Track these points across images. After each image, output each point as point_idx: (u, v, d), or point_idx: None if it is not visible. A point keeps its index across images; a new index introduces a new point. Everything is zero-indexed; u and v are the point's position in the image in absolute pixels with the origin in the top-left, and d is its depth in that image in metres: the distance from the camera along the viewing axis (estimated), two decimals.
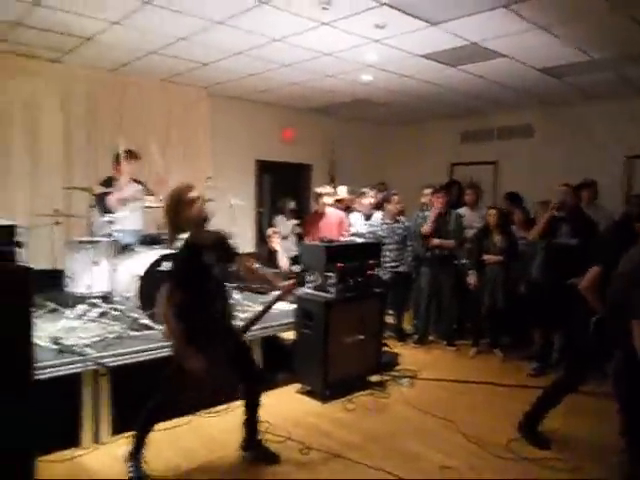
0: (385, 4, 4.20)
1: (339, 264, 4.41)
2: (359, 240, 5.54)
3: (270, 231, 6.34)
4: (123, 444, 3.43)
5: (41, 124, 5.66)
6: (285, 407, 4.25)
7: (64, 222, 4.84)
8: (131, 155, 5.02)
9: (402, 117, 9.02)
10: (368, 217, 6.42)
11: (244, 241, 5.58)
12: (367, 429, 3.93)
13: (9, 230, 2.69)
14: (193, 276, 2.97)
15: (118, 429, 3.68)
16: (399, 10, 4.30)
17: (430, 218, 5.85)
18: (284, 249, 6.29)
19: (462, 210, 6.38)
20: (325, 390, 4.39)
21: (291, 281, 3.66)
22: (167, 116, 6.65)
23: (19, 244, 2.72)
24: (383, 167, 9.36)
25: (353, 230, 6.22)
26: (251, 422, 3.41)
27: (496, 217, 5.66)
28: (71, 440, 3.53)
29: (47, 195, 5.45)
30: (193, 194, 3.03)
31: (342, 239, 5.69)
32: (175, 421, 3.82)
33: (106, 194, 4.67)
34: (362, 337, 4.59)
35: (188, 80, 6.73)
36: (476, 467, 3.38)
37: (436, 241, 5.83)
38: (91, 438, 3.60)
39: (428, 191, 6.11)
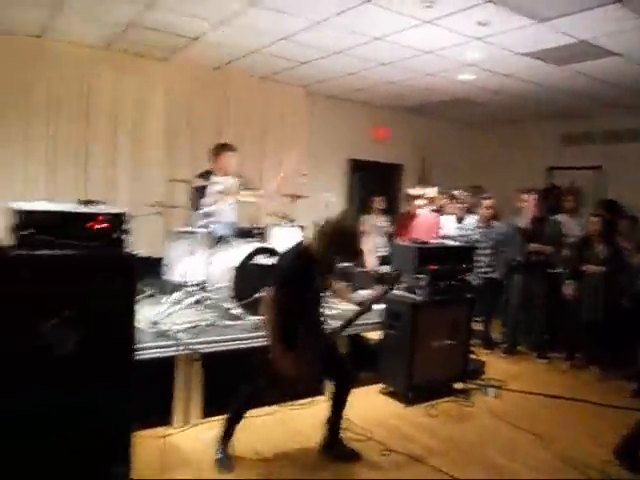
0: (490, 1, 4.07)
1: (431, 266, 4.34)
2: (452, 243, 5.41)
3: (360, 229, 6.33)
4: (210, 427, 3.59)
5: (146, 119, 5.99)
6: (367, 406, 4.23)
7: (164, 213, 5.09)
8: (228, 148, 5.16)
9: (499, 117, 8.71)
10: (460, 220, 6.26)
11: None
12: (449, 436, 3.84)
13: (119, 217, 2.85)
14: (299, 282, 3.11)
15: (206, 412, 3.82)
16: (504, 7, 4.15)
17: (525, 215, 5.61)
18: (373, 248, 6.27)
19: (560, 217, 6.06)
20: (408, 392, 4.33)
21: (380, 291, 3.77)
22: (265, 113, 6.81)
23: (127, 231, 2.88)
24: (477, 169, 9.07)
25: (444, 232, 6.09)
26: (335, 420, 3.43)
27: (599, 225, 5.32)
28: (164, 419, 3.72)
29: (149, 187, 5.77)
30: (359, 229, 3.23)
31: (433, 241, 5.59)
32: (261, 410, 3.92)
33: (204, 187, 4.86)
34: (449, 342, 4.48)
35: (287, 79, 6.88)
36: None
37: (534, 246, 5.57)
38: (182, 419, 3.78)
39: (526, 197, 5.84)
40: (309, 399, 4.20)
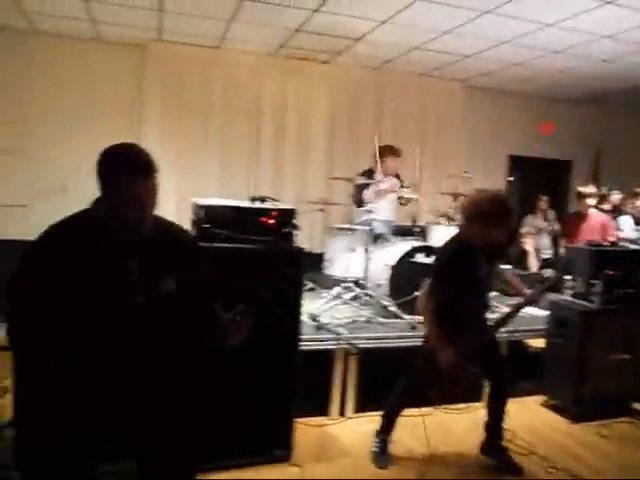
0: None
1: (608, 271, 3.96)
2: (631, 246, 4.86)
3: (523, 230, 5.99)
4: (367, 421, 3.64)
5: (310, 121, 6.23)
6: (529, 419, 3.98)
7: (325, 210, 5.24)
8: (392, 152, 5.24)
9: None
10: (639, 221, 5.64)
11: None
12: (624, 462, 3.46)
13: (290, 213, 3.01)
14: (457, 271, 2.95)
15: (361, 407, 3.87)
16: None
17: None
18: (535, 250, 5.90)
19: None
20: (575, 408, 3.99)
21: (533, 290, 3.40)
22: (422, 110, 6.73)
23: (296, 227, 3.02)
24: None
25: (622, 235, 5.52)
26: (494, 425, 3.28)
27: None
28: (321, 410, 3.84)
29: (311, 185, 6.00)
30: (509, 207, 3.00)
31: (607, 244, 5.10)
32: (416, 410, 3.87)
33: (366, 185, 4.94)
34: (626, 356, 4.05)
35: (446, 74, 6.72)
36: None
37: None
38: (338, 411, 3.86)
39: None
40: (466, 404, 4.07)
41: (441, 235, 4.89)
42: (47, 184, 5.38)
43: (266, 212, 2.94)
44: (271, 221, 2.94)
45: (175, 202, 5.52)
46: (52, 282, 1.64)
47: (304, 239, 5.22)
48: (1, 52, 5.20)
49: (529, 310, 3.87)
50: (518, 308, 3.18)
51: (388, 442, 3.32)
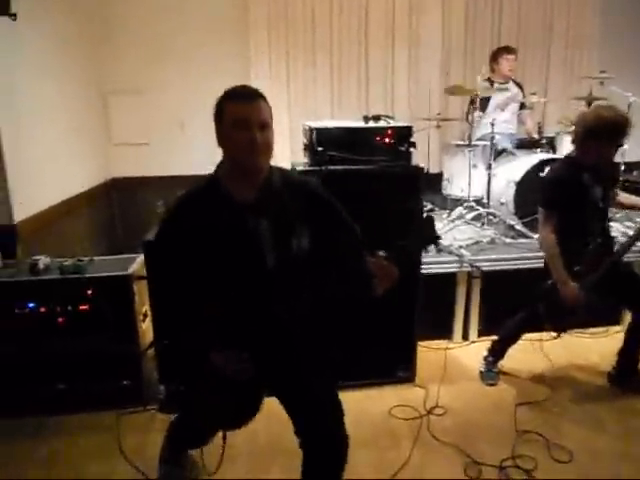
0: None
1: None
2: None
3: None
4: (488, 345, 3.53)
5: (421, 28, 5.76)
6: None
7: (441, 126, 4.93)
8: (506, 50, 4.80)
9: None
10: None
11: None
12: None
13: (407, 131, 2.83)
14: (570, 198, 2.77)
15: (484, 331, 3.78)
16: None
17: None
18: None
19: None
20: None
21: None
22: (549, 5, 5.93)
23: (413, 145, 2.84)
24: None
25: None
26: (631, 352, 3.06)
27: None
28: (444, 333, 3.79)
29: (425, 99, 5.64)
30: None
31: None
32: (543, 334, 3.69)
33: (484, 97, 4.57)
34: None
35: None
36: None
37: None
38: (460, 334, 3.81)
39: None
40: (602, 328, 3.80)
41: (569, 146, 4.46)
42: (165, 121, 5.56)
43: (381, 131, 2.79)
44: (387, 140, 2.79)
45: (288, 129, 5.48)
46: (186, 251, 1.71)
47: (420, 158, 5.04)
48: None
49: None
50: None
51: (497, 363, 3.30)
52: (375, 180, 2.75)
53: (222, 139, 1.69)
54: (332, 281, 1.75)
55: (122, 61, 5.37)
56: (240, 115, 1.63)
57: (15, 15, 3.01)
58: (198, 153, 5.59)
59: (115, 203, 5.64)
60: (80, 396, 2.91)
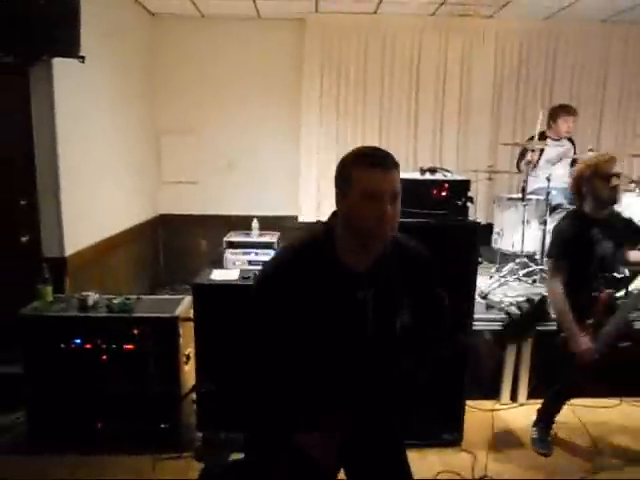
0: None
1: None
2: None
3: None
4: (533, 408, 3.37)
5: (473, 82, 5.79)
6: None
7: (492, 178, 4.88)
8: (566, 111, 4.78)
9: None
10: None
11: None
12: None
13: (464, 185, 2.78)
14: (576, 250, 2.73)
15: (534, 393, 3.59)
16: None
17: None
18: None
19: None
20: None
21: None
22: (605, 61, 5.88)
23: (471, 199, 2.78)
24: None
25: None
26: None
27: None
28: (491, 393, 3.63)
29: (474, 152, 5.62)
30: (612, 169, 2.73)
31: None
32: (601, 400, 3.50)
33: (539, 150, 4.52)
34: None
35: (635, 17, 5.79)
36: None
37: None
38: (509, 395, 3.64)
39: None
40: None
41: (629, 204, 4.31)
42: (214, 162, 5.67)
43: (438, 184, 2.74)
44: (444, 193, 2.74)
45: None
46: (285, 309, 1.60)
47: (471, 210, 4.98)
48: (175, 38, 5.51)
49: None
50: None
51: (549, 430, 3.12)
52: (432, 234, 2.69)
53: (346, 206, 1.55)
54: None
55: (177, 102, 5.55)
56: (373, 186, 1.48)
57: (84, 58, 3.12)
58: (244, 193, 5.68)
59: (160, 239, 5.73)
60: (118, 437, 2.86)
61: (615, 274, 2.82)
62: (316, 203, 5.65)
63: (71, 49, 3.05)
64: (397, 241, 1.66)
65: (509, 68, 5.76)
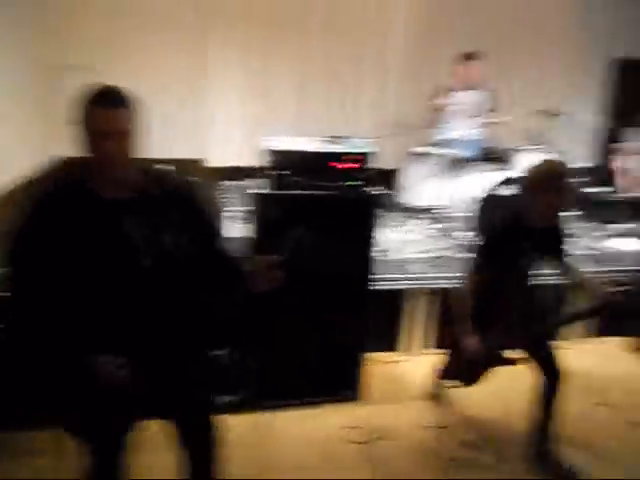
0: None
1: None
2: None
3: (615, 147, 5.35)
4: (437, 358, 3.54)
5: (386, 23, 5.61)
6: (609, 364, 3.76)
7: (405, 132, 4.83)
8: (469, 56, 4.62)
9: None
10: None
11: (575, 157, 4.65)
12: None
13: (364, 157, 2.80)
14: (501, 254, 2.55)
15: (429, 344, 3.80)
16: None
17: None
18: (627, 169, 5.27)
19: None
20: None
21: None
22: (518, 11, 5.86)
23: (371, 171, 2.82)
24: None
25: None
26: (542, 425, 2.79)
27: None
28: (392, 346, 3.79)
29: (392, 104, 5.54)
30: (557, 183, 2.45)
31: None
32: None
33: (445, 104, 4.52)
34: None
35: None
36: None
37: None
38: (405, 348, 3.81)
39: None
40: None
41: (528, 161, 4.47)
42: None
43: (337, 156, 2.74)
44: (345, 166, 2.74)
45: (242, 131, 5.31)
46: (48, 250, 1.58)
47: (382, 160, 4.96)
48: None
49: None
50: (588, 314, 2.78)
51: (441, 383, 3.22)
52: (330, 206, 2.74)
53: (83, 142, 1.58)
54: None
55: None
56: (95, 125, 1.54)
57: None
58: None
59: None
60: None
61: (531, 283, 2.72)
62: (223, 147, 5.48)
63: None
64: (157, 173, 1.78)
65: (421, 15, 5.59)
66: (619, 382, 3.55)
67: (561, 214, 2.59)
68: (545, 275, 3.02)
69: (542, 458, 2.78)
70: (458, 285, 2.72)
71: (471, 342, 2.62)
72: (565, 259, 2.66)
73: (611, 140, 5.96)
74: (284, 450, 2.77)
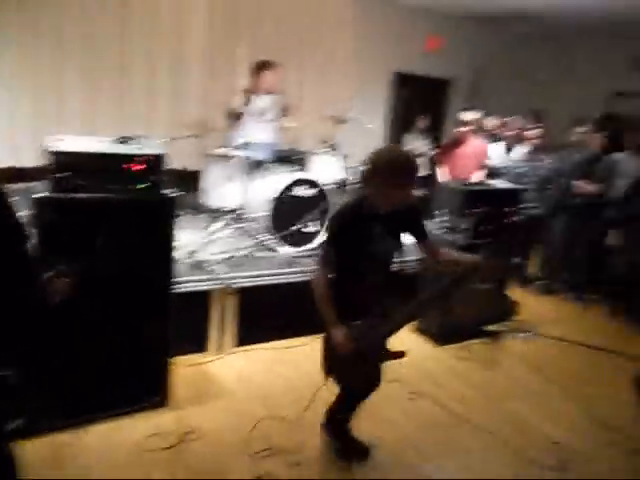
0: None
1: (473, 209, 4.17)
2: (500, 185, 4.96)
3: None
4: (243, 356, 3.76)
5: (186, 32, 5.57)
6: (399, 343, 4.20)
7: (203, 133, 4.85)
8: (267, 66, 4.84)
9: (564, 32, 7.94)
10: (509, 149, 5.94)
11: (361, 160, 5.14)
12: (478, 383, 3.84)
13: (157, 158, 2.74)
14: (352, 240, 2.45)
15: (241, 341, 3.90)
16: None
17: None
18: None
19: (620, 155, 5.50)
20: (440, 333, 4.32)
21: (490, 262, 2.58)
22: (306, 21, 6.25)
23: (164, 172, 2.78)
24: (537, 91, 8.25)
25: (491, 163, 5.77)
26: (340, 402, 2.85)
27: None
28: (200, 348, 3.80)
29: (188, 106, 5.51)
30: (408, 178, 2.39)
31: (478, 173, 5.35)
32: None
33: (241, 108, 4.64)
34: (486, 286, 4.39)
35: None
36: (590, 450, 3.19)
37: (578, 184, 5.27)
38: (216, 347, 3.84)
39: (581, 130, 5.44)
40: None
41: (321, 164, 4.82)
42: None
43: (129, 158, 2.65)
44: (137, 167, 2.67)
45: (29, 130, 4.87)
46: None
47: (182, 159, 4.91)
48: None
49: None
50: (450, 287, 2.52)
51: None
52: (119, 209, 2.64)
53: None
54: None
55: None
56: None
57: None
58: None
59: None
60: None
61: (390, 270, 2.61)
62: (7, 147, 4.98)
63: None
64: None
65: (220, 20, 5.68)
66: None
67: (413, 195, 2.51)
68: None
69: (335, 432, 2.89)
70: (312, 277, 2.57)
71: (337, 333, 2.46)
72: (427, 238, 2.63)
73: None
74: (88, 468, 2.63)
